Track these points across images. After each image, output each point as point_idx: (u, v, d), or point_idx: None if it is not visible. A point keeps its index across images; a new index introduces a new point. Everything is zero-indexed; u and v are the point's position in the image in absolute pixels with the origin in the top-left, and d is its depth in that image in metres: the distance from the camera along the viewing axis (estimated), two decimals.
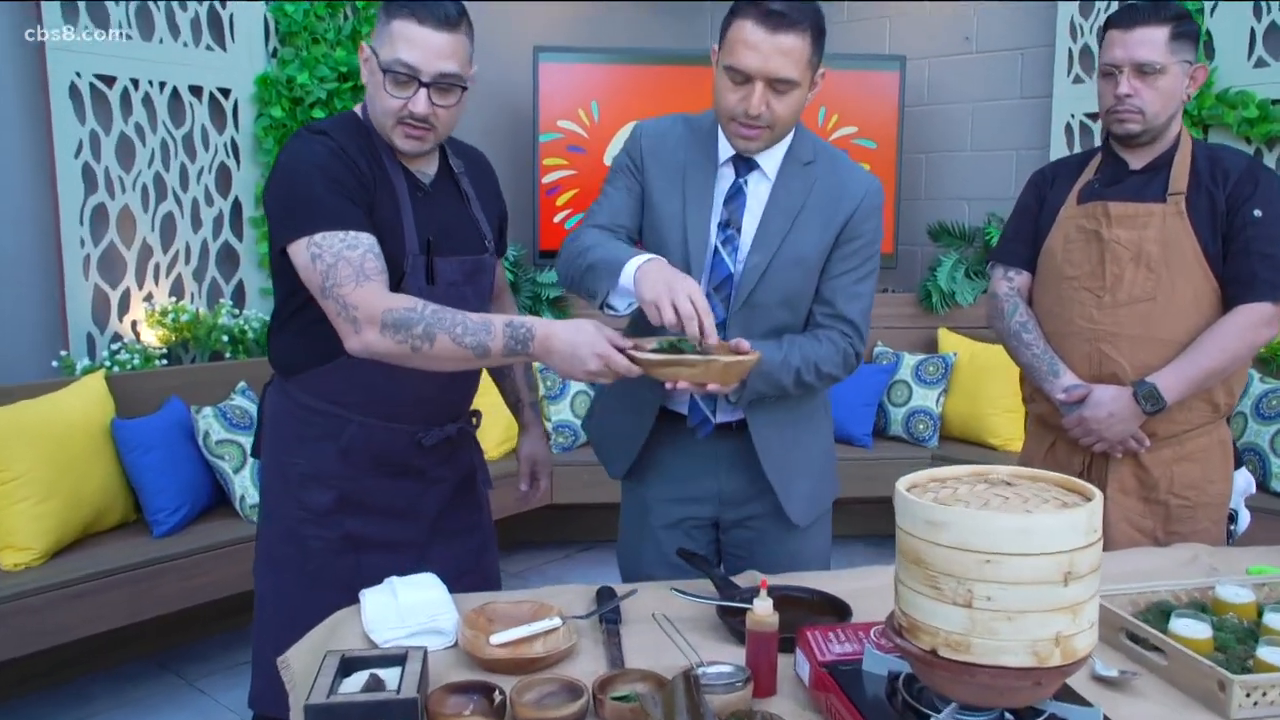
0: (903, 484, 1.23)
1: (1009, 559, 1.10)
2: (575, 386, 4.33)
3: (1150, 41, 2.11)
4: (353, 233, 1.74)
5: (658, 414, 2.00)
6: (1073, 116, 4.62)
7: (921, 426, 4.44)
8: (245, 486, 3.32)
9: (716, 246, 1.88)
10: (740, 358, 1.63)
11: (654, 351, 1.63)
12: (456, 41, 1.79)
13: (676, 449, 2.04)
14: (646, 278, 1.65)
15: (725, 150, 1.90)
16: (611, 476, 2.15)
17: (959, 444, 4.47)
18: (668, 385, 1.60)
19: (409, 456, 1.96)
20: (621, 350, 1.61)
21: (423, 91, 1.77)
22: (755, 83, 1.75)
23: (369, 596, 1.67)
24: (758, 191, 1.90)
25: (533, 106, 4.63)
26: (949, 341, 4.66)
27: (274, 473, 1.99)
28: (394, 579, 1.70)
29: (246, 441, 3.35)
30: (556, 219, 4.70)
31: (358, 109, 1.91)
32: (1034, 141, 4.84)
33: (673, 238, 1.90)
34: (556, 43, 4.85)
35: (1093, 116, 4.56)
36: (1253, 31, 4.11)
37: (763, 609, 1.43)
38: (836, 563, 2.14)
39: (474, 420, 2.14)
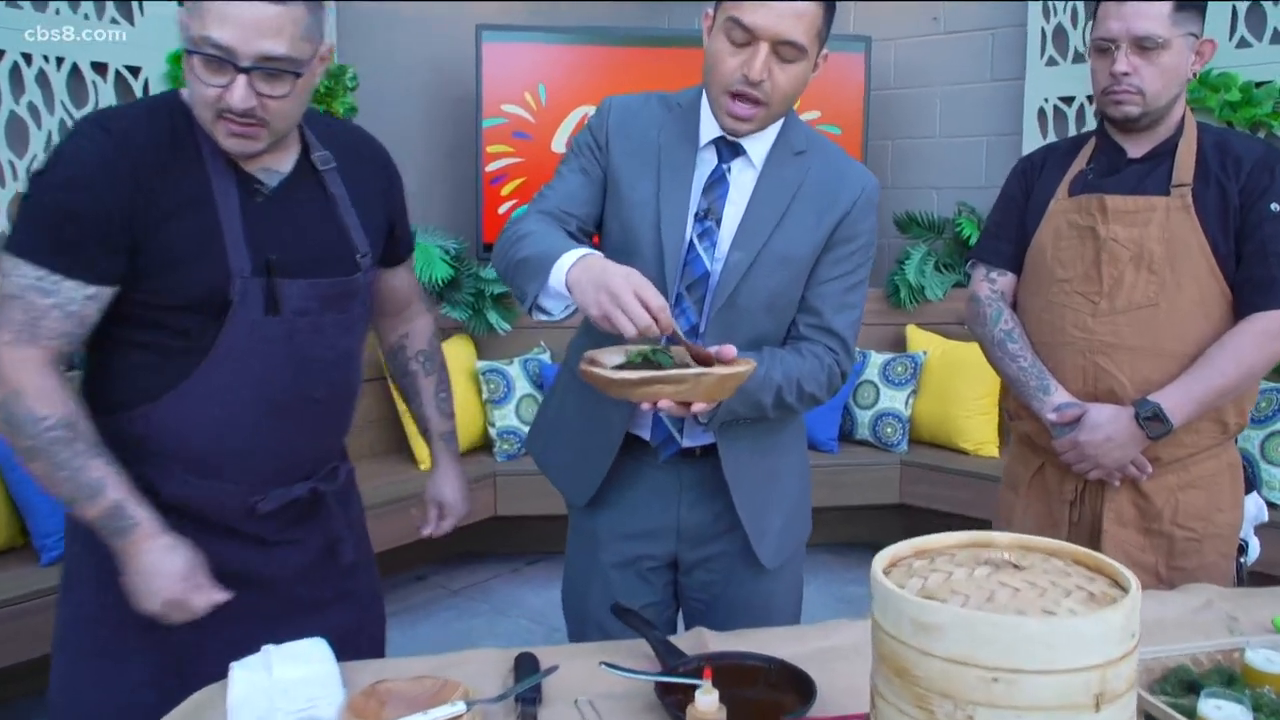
0: (880, 563, 0.96)
1: (1025, 677, 0.83)
2: (521, 389, 4.05)
3: (1150, 12, 1.87)
4: (56, 277, 1.42)
5: (622, 431, 1.76)
6: (1046, 101, 4.41)
7: (890, 430, 4.20)
8: None
9: (692, 240, 1.66)
10: (735, 369, 1.42)
11: (623, 368, 1.41)
12: (284, 14, 1.40)
13: (631, 475, 1.81)
14: (579, 284, 1.42)
15: (709, 131, 1.68)
16: (572, 505, 1.91)
17: (929, 448, 4.25)
18: (644, 407, 1.40)
19: (239, 521, 1.61)
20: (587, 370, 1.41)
21: (241, 79, 1.40)
22: (760, 44, 1.54)
23: (238, 672, 1.39)
24: (741, 181, 1.69)
25: (475, 89, 4.35)
26: (918, 339, 4.42)
27: (75, 526, 1.60)
28: (270, 648, 1.42)
29: None
30: (501, 210, 4.41)
31: (184, 91, 1.52)
32: (1006, 127, 4.62)
33: (644, 228, 1.66)
34: (501, 20, 4.55)
35: (1067, 100, 4.36)
36: (1234, 10, 3.90)
37: (706, 706, 1.16)
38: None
39: (338, 474, 1.73)
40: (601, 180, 1.71)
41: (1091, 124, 4.30)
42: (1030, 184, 2.12)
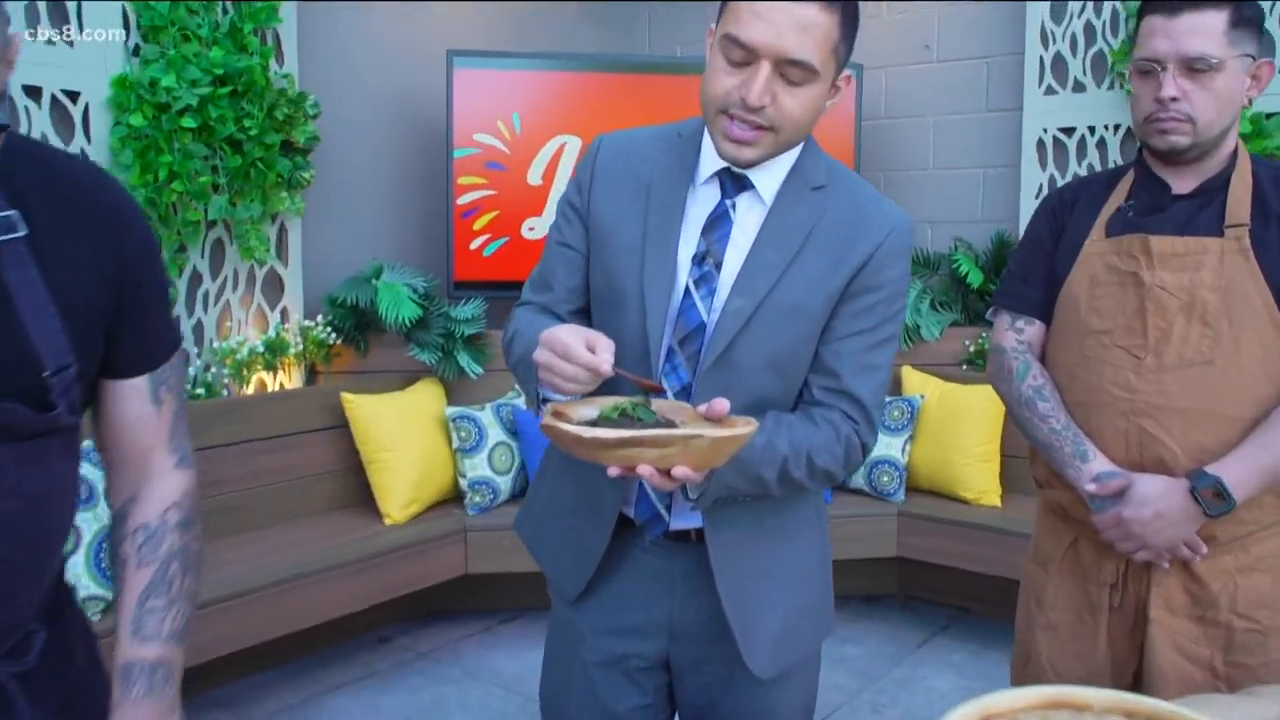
0: None
1: None
2: (495, 437, 3.78)
3: (1204, 29, 1.65)
4: None
5: (617, 508, 1.54)
6: (1045, 131, 4.21)
7: (886, 479, 3.95)
8: (77, 574, 2.71)
9: (688, 286, 1.45)
10: (732, 432, 1.21)
11: (597, 423, 1.21)
12: None
13: (618, 561, 1.59)
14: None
15: (711, 164, 1.47)
16: (562, 600, 1.66)
17: (928, 496, 4.00)
18: (611, 472, 1.21)
19: None
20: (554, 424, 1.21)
21: None
22: (761, 63, 1.32)
23: None
24: (748, 220, 1.47)
25: (446, 118, 4.11)
26: (914, 381, 4.18)
27: None
28: None
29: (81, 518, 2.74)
30: (474, 244, 4.16)
31: None
32: (1003, 159, 4.41)
33: (628, 277, 1.46)
34: (473, 45, 4.32)
35: (1067, 131, 4.16)
36: None
37: None
38: None
39: (29, 648, 1.20)
40: (585, 247, 1.53)
41: (1094, 158, 4.12)
42: (1061, 222, 1.89)
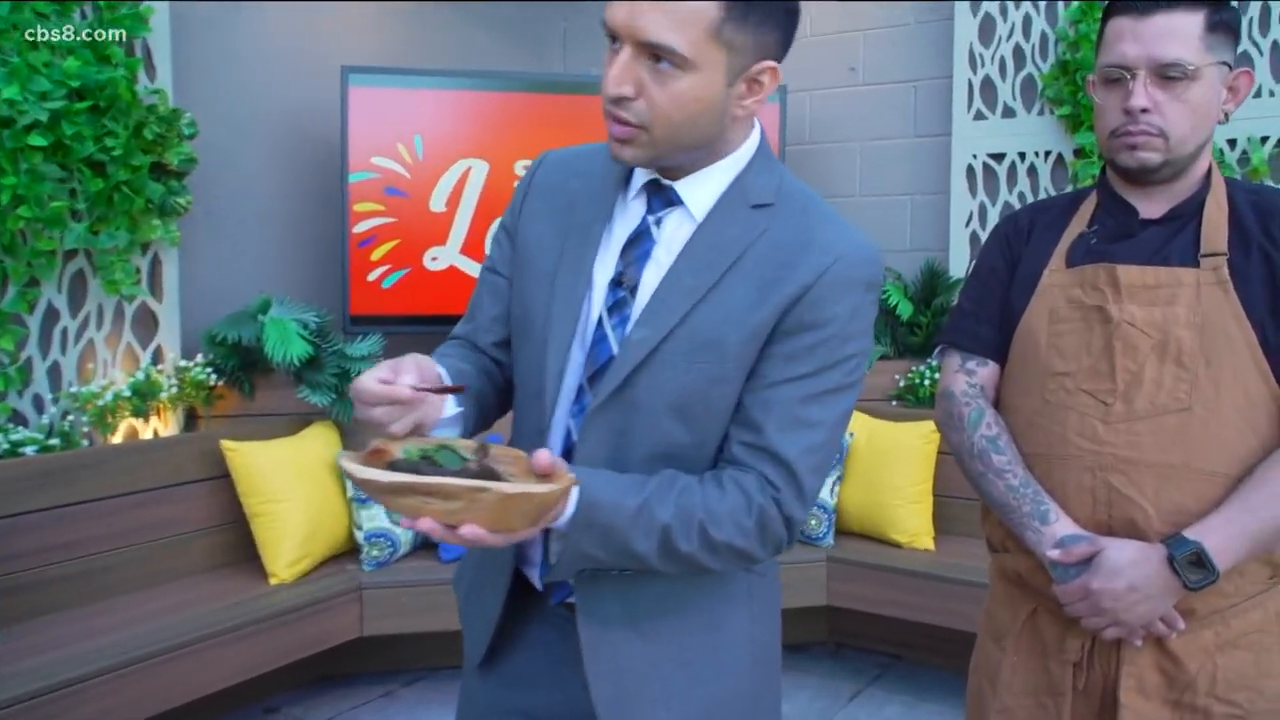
0: None
1: None
2: None
3: (1178, 32, 1.46)
4: None
5: (512, 576, 1.38)
6: (975, 157, 4.08)
7: (814, 523, 3.73)
8: None
9: (602, 315, 1.28)
10: (525, 488, 1.06)
11: (395, 465, 1.09)
12: None
13: (521, 629, 1.42)
14: None
15: (642, 175, 1.31)
16: (470, 665, 1.48)
17: (858, 540, 3.79)
18: (403, 524, 1.07)
19: None
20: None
21: None
22: (623, 47, 1.18)
23: None
24: (675, 238, 1.29)
25: (341, 140, 3.82)
26: None
27: None
28: None
29: None
30: (371, 276, 3.87)
31: None
32: (932, 186, 4.27)
33: (538, 304, 1.33)
34: (370, 61, 4.04)
35: (997, 158, 4.02)
36: None
37: None
38: None
39: None
40: (511, 271, 1.40)
41: (1025, 185, 3.97)
42: (1016, 252, 1.68)
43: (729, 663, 1.35)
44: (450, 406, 1.23)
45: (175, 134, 3.24)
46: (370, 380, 1.13)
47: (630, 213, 1.32)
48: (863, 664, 3.93)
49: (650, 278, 1.28)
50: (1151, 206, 1.56)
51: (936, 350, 1.81)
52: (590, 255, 1.30)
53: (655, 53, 1.15)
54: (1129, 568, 1.45)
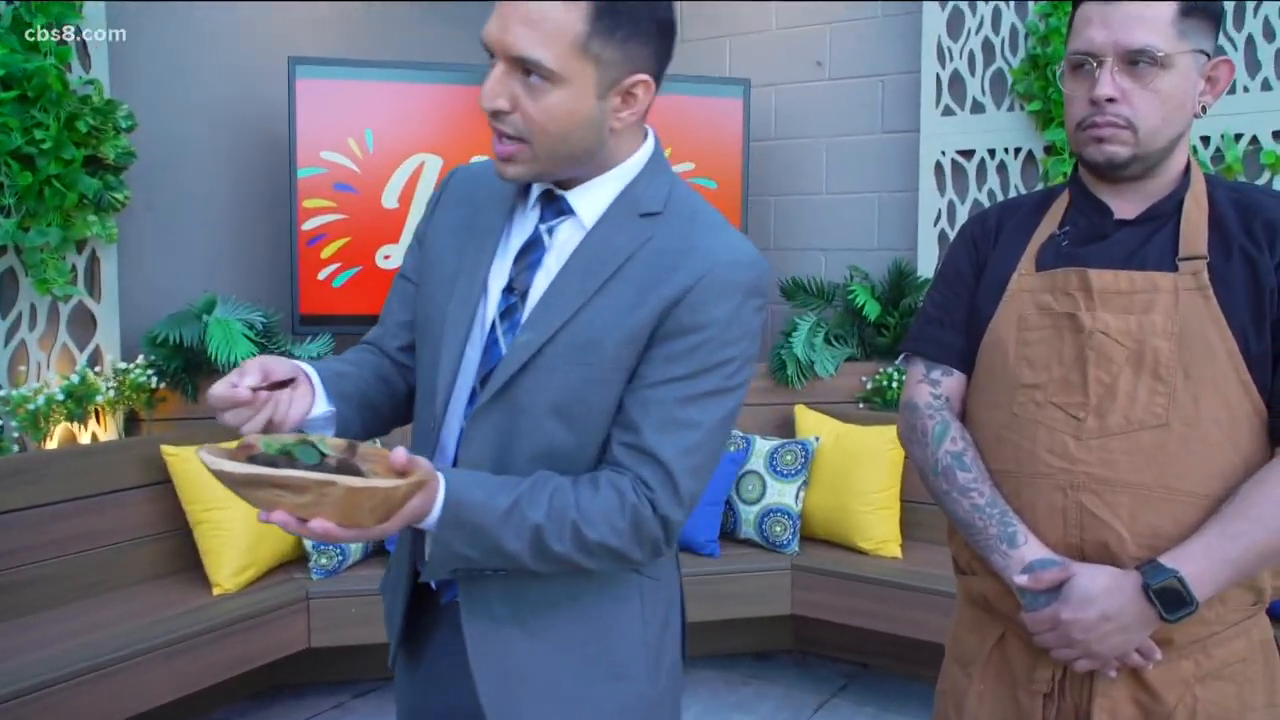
0: None
1: None
2: None
3: (1147, 18, 1.38)
4: None
5: (411, 574, 1.42)
6: (943, 154, 4.02)
7: (779, 529, 3.63)
8: None
9: (495, 320, 1.34)
10: (367, 483, 1.08)
11: (254, 459, 1.12)
12: None
13: (425, 630, 1.45)
14: None
15: (540, 186, 1.36)
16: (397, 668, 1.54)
17: (823, 546, 3.70)
18: (260, 517, 1.12)
19: None
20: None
21: None
22: (498, 61, 1.23)
23: None
24: (565, 246, 1.34)
25: (289, 134, 3.69)
26: (808, 422, 3.88)
27: None
28: None
29: None
30: (321, 275, 3.74)
31: None
32: (899, 183, 4.19)
33: (435, 311, 1.37)
34: (319, 52, 3.92)
35: (966, 154, 3.95)
36: None
37: None
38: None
39: None
40: (419, 280, 1.45)
41: (994, 182, 3.89)
42: (983, 255, 1.58)
43: (622, 666, 1.36)
44: (320, 405, 1.27)
45: (111, 126, 3.09)
46: (220, 384, 1.17)
47: (527, 221, 1.37)
48: (828, 673, 3.84)
49: (540, 284, 1.32)
50: (1126, 206, 1.46)
51: (901, 358, 1.71)
52: (486, 262, 1.35)
53: (525, 67, 1.19)
54: (1102, 596, 1.35)
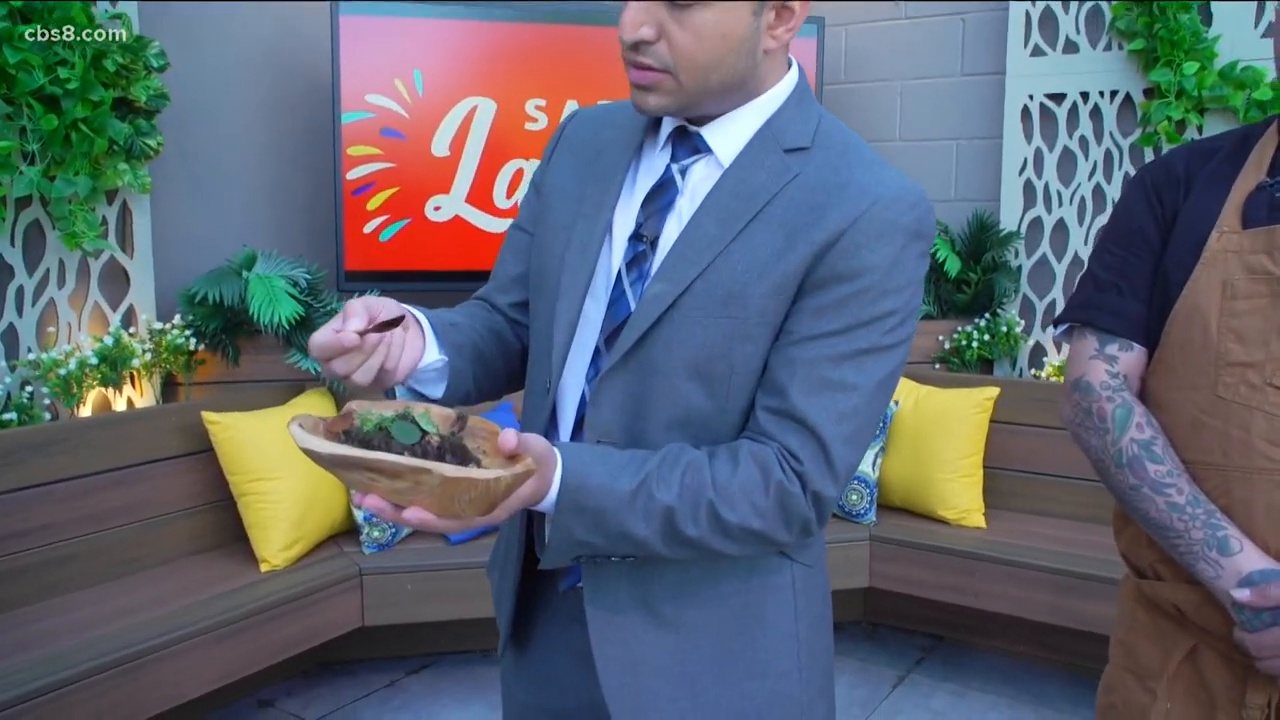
0: None
1: None
2: None
3: None
4: None
5: (523, 561, 1.32)
6: (1031, 99, 3.77)
7: (855, 498, 3.45)
8: None
9: (621, 270, 1.22)
10: (466, 473, 0.96)
11: (348, 435, 1.01)
12: None
13: (539, 618, 1.36)
14: None
15: (670, 122, 1.24)
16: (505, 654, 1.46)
17: (902, 516, 3.54)
18: (355, 501, 1.07)
19: None
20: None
21: None
22: None
23: None
24: (699, 187, 1.22)
25: (332, 75, 3.49)
26: None
27: None
28: None
29: None
30: (368, 228, 3.53)
31: None
32: (982, 129, 3.96)
33: (552, 260, 1.27)
34: None
35: (1056, 99, 3.69)
36: None
37: None
38: None
39: None
40: (535, 229, 1.36)
41: (1087, 129, 3.61)
42: (1171, 207, 1.35)
43: (771, 663, 1.25)
44: (432, 353, 1.18)
45: (141, 65, 2.88)
46: (323, 331, 1.06)
47: (656, 161, 1.26)
48: (902, 646, 3.68)
49: (672, 230, 1.21)
50: None
51: (1058, 330, 1.47)
52: (610, 205, 1.25)
53: None
54: None
